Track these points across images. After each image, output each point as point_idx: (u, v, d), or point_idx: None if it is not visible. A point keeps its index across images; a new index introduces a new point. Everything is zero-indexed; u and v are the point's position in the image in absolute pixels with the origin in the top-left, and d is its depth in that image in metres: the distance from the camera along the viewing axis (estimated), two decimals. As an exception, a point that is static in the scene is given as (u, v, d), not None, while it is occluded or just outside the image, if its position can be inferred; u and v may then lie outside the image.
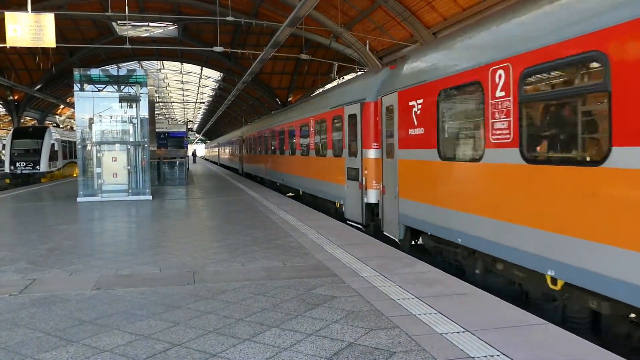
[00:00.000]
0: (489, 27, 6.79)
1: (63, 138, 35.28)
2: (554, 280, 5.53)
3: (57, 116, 56.91)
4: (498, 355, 4.06)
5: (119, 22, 32.04)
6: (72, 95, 19.24)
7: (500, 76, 6.17)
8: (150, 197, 17.74)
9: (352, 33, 27.83)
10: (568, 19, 5.19)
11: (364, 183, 11.13)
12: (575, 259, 5.04)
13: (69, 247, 8.88)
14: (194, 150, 69.37)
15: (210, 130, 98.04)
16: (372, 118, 10.81)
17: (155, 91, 52.37)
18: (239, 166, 37.15)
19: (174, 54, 42.67)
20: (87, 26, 34.52)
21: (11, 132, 33.97)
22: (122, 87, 18.53)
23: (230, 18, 22.68)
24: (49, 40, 16.51)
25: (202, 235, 10.00)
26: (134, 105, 18.33)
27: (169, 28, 35.77)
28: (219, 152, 61.46)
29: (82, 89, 18.04)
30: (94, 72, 18.86)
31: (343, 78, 33.86)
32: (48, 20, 16.45)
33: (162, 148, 27.45)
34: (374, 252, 8.09)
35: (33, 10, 17.28)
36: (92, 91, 18.26)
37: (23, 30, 16.30)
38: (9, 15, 16.42)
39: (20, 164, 31.20)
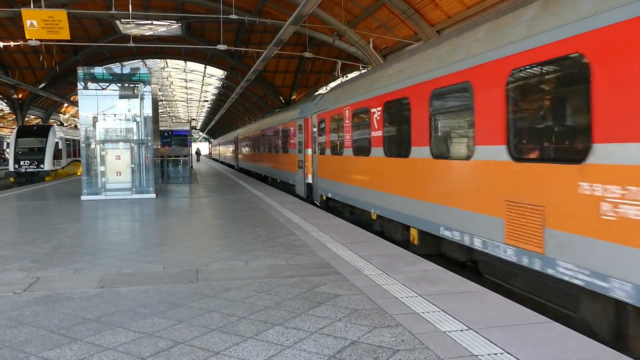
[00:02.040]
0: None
1: (67, 136, 35.37)
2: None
3: (61, 115, 57.13)
4: (501, 354, 4.05)
5: (122, 20, 32.07)
6: (76, 94, 19.30)
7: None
8: (153, 196, 17.77)
9: (356, 31, 27.78)
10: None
11: None
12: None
13: (73, 246, 8.90)
14: (198, 148, 69.06)
15: (214, 128, 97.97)
16: None
17: (159, 89, 52.46)
18: (297, 179, 19.11)
19: (178, 52, 42.72)
20: (91, 25, 34.59)
21: (15, 130, 34.06)
22: (126, 85, 18.54)
23: (233, 16, 22.69)
24: (63, 33, 17.34)
25: (205, 234, 10.01)
26: (137, 103, 18.35)
27: (173, 26, 35.77)
28: (238, 150, 42.72)
29: (85, 88, 18.06)
30: (98, 70, 18.86)
31: (347, 76, 33.82)
32: (61, 15, 17.28)
33: (165, 146, 27.48)
34: (377, 250, 8.08)
35: (37, 8, 17.78)
36: (96, 89, 18.29)
37: (39, 25, 17.14)
38: (25, 12, 17.32)
39: (24, 163, 31.29)
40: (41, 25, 17.11)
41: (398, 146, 9.70)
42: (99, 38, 35.68)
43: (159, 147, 24.34)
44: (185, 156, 27.12)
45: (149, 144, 18.17)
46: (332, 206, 15.02)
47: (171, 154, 26.73)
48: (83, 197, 17.24)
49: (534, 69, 5.89)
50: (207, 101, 70.87)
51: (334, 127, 14.03)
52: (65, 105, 53.82)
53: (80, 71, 17.84)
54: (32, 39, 19.96)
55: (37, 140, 32.13)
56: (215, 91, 64.37)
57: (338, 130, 13.61)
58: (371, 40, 26.79)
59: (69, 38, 18.01)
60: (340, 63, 29.44)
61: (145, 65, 47.54)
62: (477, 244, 6.91)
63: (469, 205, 7.15)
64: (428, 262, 7.18)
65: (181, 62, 50.35)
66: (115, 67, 25.61)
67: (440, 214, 7.97)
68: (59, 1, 27.37)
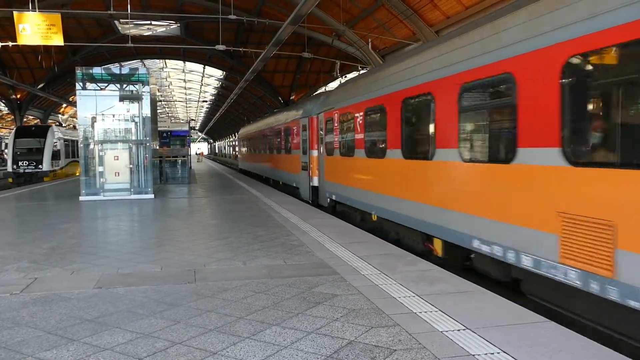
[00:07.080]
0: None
1: (66, 137, 35.29)
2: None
3: (59, 115, 57.06)
4: (498, 353, 4.05)
5: (121, 21, 32.05)
6: (75, 94, 19.17)
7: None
8: (152, 196, 17.75)
9: (355, 31, 27.79)
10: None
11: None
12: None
13: (71, 246, 8.90)
14: (201, 151, 68.20)
15: (213, 129, 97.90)
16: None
17: (158, 90, 52.43)
18: (239, 164, 35.96)
19: (177, 52, 42.68)
20: (90, 25, 34.53)
21: (14, 131, 33.97)
22: (125, 85, 18.53)
23: (232, 16, 22.66)
24: (57, 38, 16.79)
25: (203, 234, 10.01)
26: (136, 103, 18.33)
27: (172, 26, 35.76)
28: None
29: (84, 88, 18.02)
30: (97, 70, 18.83)
31: (346, 76, 33.85)
32: (55, 19, 16.75)
33: (164, 147, 27.45)
34: (376, 250, 8.08)
35: (36, 9, 17.40)
36: (95, 90, 18.26)
37: (32, 29, 16.62)
38: (17, 15, 16.66)
39: (22, 163, 31.19)
40: (34, 30, 16.65)
41: (270, 148, 24.32)
42: (98, 38, 35.65)
43: (158, 147, 24.34)
44: (184, 156, 27.10)
45: (148, 144, 18.15)
46: (245, 173, 33.28)
47: (170, 154, 26.69)
48: (82, 198, 17.22)
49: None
50: (206, 101, 70.85)
51: (244, 141, 35.98)
52: (64, 105, 53.77)
53: (78, 71, 17.79)
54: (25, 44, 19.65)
55: (36, 140, 32.01)
56: (214, 91, 64.35)
57: (246, 144, 34.29)
58: (370, 40, 26.80)
59: (62, 44, 17.64)
60: (339, 63, 29.42)
61: (144, 65, 47.49)
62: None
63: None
64: (427, 262, 7.18)
65: (180, 63, 50.34)
66: (114, 67, 25.60)
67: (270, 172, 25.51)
68: (57, 1, 27.35)
